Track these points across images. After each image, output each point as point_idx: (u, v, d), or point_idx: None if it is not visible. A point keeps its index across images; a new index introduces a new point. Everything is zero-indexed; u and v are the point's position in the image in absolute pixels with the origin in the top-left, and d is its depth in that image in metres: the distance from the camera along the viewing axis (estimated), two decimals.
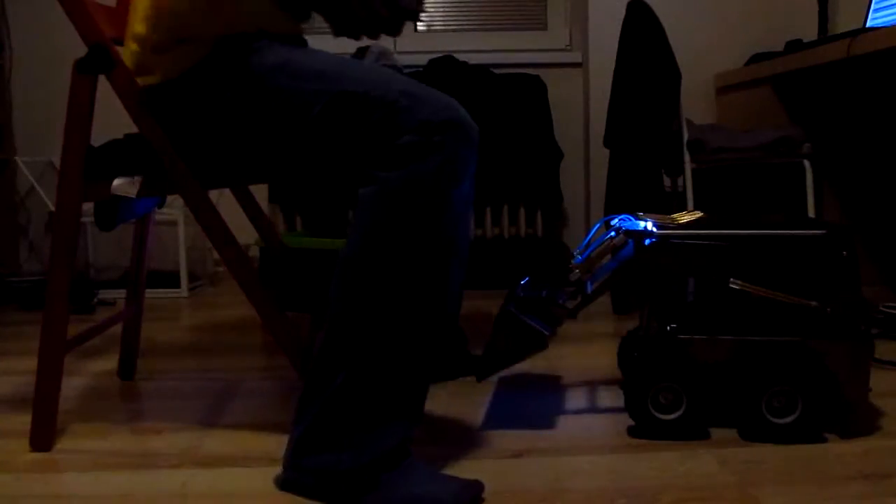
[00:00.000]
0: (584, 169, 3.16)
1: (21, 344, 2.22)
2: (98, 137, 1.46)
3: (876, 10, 2.51)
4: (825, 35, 2.82)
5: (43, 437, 1.38)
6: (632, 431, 1.42)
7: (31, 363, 1.39)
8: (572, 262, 1.49)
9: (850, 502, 1.14)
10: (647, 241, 1.40)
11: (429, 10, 3.27)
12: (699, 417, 1.39)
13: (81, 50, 1.35)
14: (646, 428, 1.39)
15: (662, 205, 2.55)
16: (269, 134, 1.29)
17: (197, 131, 1.34)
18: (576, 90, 3.15)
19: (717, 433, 1.41)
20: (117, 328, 1.81)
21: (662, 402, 1.39)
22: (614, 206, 2.52)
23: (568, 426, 1.46)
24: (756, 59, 2.83)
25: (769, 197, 2.73)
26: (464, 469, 1.27)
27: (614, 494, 1.17)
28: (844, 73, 2.68)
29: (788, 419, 1.36)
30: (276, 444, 1.39)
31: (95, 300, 2.75)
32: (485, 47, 3.18)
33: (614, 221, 1.50)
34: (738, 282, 1.38)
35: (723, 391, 1.40)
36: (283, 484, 1.20)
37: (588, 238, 1.52)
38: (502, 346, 1.41)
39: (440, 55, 2.98)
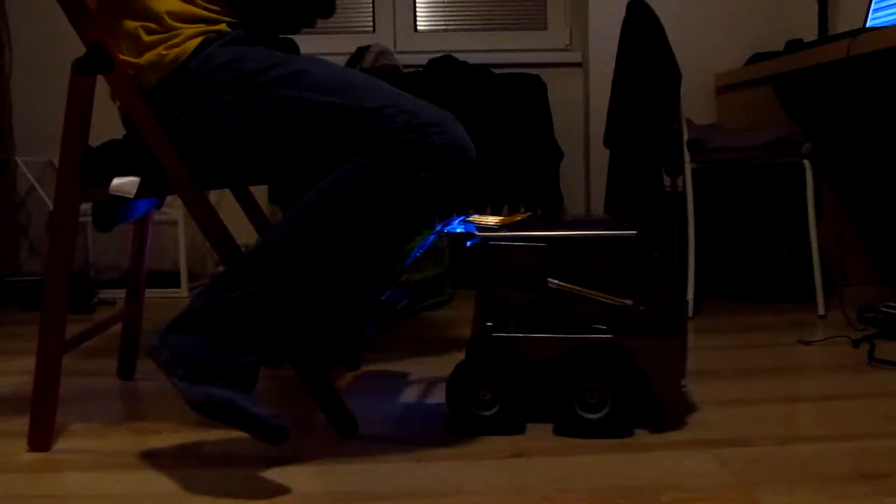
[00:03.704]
0: (584, 169, 3.16)
1: (20, 344, 2.22)
2: (99, 137, 1.46)
3: (876, 10, 2.51)
4: (825, 35, 2.82)
5: (41, 437, 1.38)
6: (455, 429, 1.44)
7: (31, 363, 1.39)
8: (404, 262, 1.50)
9: (850, 502, 1.13)
10: (468, 244, 1.43)
11: (429, 10, 3.26)
12: (516, 414, 1.42)
13: (82, 49, 1.35)
14: (464, 424, 1.42)
15: (662, 205, 2.55)
16: (272, 139, 1.29)
17: (196, 133, 1.34)
18: (576, 90, 3.15)
19: (717, 433, 1.41)
20: (117, 328, 1.81)
21: (482, 398, 1.42)
22: (614, 205, 2.51)
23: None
24: (756, 59, 2.83)
25: (769, 197, 2.73)
26: (464, 468, 1.27)
27: (614, 494, 1.17)
28: (844, 73, 2.68)
29: (599, 414, 1.39)
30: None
31: (95, 300, 2.75)
32: (485, 47, 3.18)
33: (454, 221, 1.51)
34: (556, 281, 1.41)
35: (539, 388, 1.43)
36: (150, 350, 1.26)
37: (427, 241, 1.53)
38: (331, 346, 1.43)
39: (440, 55, 2.98)
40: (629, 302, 1.41)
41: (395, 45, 3.18)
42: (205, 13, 1.35)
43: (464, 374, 1.42)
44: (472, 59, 2.99)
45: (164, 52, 1.32)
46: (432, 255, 2.58)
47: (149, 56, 1.32)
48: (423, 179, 1.23)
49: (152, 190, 1.39)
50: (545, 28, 3.25)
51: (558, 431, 1.42)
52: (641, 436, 1.41)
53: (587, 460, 1.30)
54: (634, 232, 1.43)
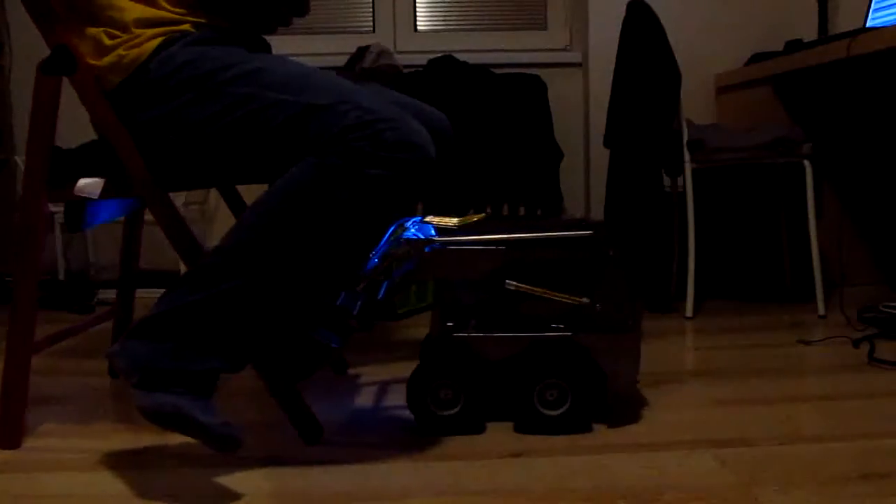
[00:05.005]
0: (584, 169, 3.16)
1: None
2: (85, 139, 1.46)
3: (876, 10, 2.51)
4: (825, 35, 2.82)
5: (10, 436, 1.39)
6: (416, 429, 1.44)
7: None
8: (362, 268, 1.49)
9: (850, 502, 1.13)
10: (427, 249, 1.44)
11: (429, 10, 3.27)
12: (477, 412, 1.43)
13: None
14: (426, 424, 1.43)
15: (662, 205, 2.55)
16: (229, 138, 1.29)
17: (157, 134, 1.33)
18: (576, 90, 3.15)
19: (717, 433, 1.41)
20: (109, 328, 1.81)
21: (443, 398, 1.43)
22: (614, 206, 2.51)
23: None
24: (756, 59, 2.83)
25: (769, 197, 2.73)
26: (463, 468, 1.27)
27: (614, 494, 1.17)
28: (844, 73, 2.68)
29: (559, 411, 1.41)
30: (274, 443, 1.39)
31: (95, 300, 2.75)
32: (485, 47, 3.18)
33: (408, 223, 1.51)
34: (513, 282, 1.43)
35: (499, 386, 1.45)
36: (109, 354, 1.25)
37: (383, 241, 1.52)
38: (288, 361, 1.41)
39: (440, 55, 2.97)
40: (586, 300, 1.43)
41: (395, 45, 3.18)
42: (170, 15, 1.34)
43: (424, 375, 1.42)
44: (472, 59, 2.99)
45: (123, 53, 1.31)
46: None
47: (109, 58, 1.32)
48: (374, 177, 1.20)
49: (117, 191, 1.39)
50: (545, 28, 3.25)
51: (518, 429, 1.43)
52: (641, 436, 1.41)
53: (587, 460, 1.30)
54: (590, 232, 1.45)
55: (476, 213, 2.98)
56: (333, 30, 3.17)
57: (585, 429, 1.42)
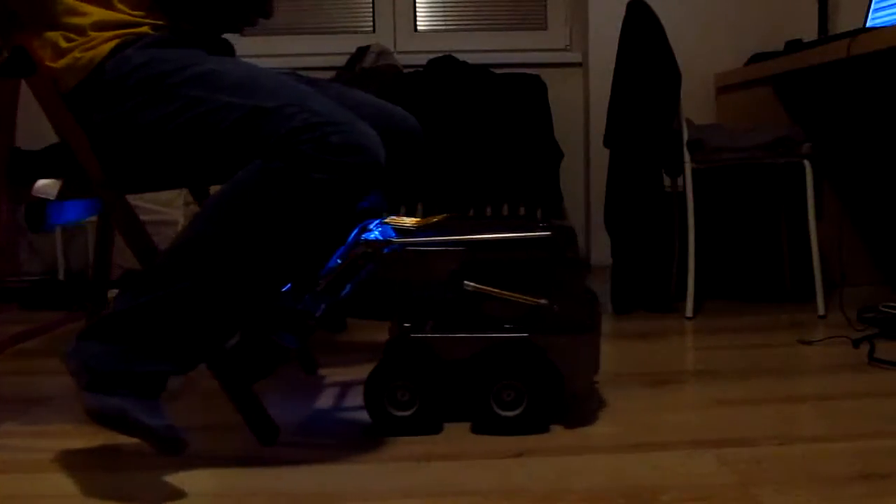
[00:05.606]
0: (584, 169, 3.16)
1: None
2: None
3: (876, 10, 2.51)
4: (825, 35, 2.82)
5: None
6: (370, 430, 1.44)
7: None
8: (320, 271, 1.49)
9: (850, 502, 1.13)
10: (385, 250, 1.43)
11: (429, 10, 3.27)
12: (434, 413, 1.43)
13: None
14: (382, 425, 1.43)
15: (662, 205, 2.55)
16: (180, 140, 1.29)
17: (112, 136, 1.33)
18: (576, 90, 3.15)
19: (717, 433, 1.41)
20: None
21: (400, 399, 1.42)
22: (614, 206, 2.51)
23: (568, 426, 1.46)
24: (756, 59, 2.83)
25: (769, 197, 2.73)
26: (464, 468, 1.27)
27: (614, 494, 1.17)
28: (844, 73, 2.68)
29: (515, 412, 1.41)
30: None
31: None
32: (485, 47, 3.18)
33: (371, 226, 1.52)
34: (472, 283, 1.42)
35: (456, 387, 1.44)
36: (64, 355, 1.25)
37: (346, 245, 1.52)
38: (244, 362, 1.39)
39: (440, 55, 2.98)
40: (544, 301, 1.42)
41: (395, 45, 3.18)
42: (128, 18, 1.34)
43: (381, 375, 1.42)
44: (472, 59, 2.99)
45: (78, 56, 1.32)
46: None
47: (65, 60, 1.32)
48: (316, 181, 1.20)
49: (75, 192, 1.39)
50: (545, 28, 3.25)
51: (475, 430, 1.43)
52: (642, 436, 1.41)
53: (587, 460, 1.30)
54: (549, 233, 1.45)
55: (476, 212, 2.99)
56: (333, 30, 3.17)
57: (542, 429, 1.42)
